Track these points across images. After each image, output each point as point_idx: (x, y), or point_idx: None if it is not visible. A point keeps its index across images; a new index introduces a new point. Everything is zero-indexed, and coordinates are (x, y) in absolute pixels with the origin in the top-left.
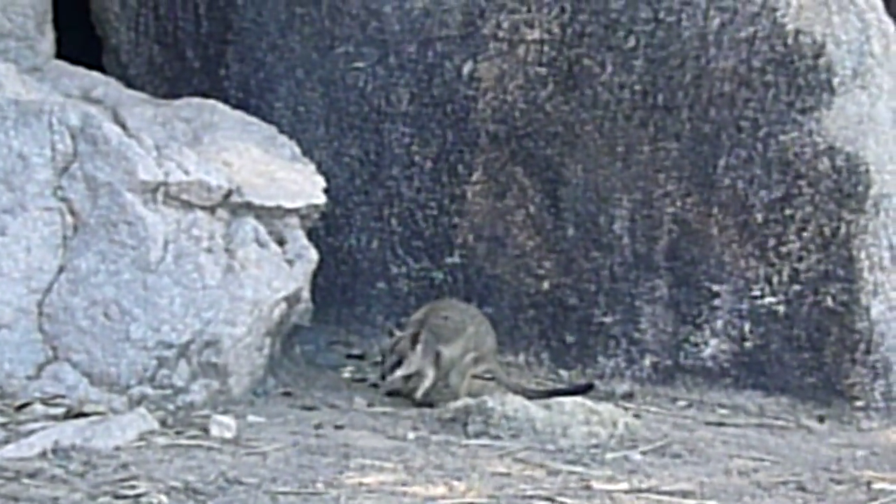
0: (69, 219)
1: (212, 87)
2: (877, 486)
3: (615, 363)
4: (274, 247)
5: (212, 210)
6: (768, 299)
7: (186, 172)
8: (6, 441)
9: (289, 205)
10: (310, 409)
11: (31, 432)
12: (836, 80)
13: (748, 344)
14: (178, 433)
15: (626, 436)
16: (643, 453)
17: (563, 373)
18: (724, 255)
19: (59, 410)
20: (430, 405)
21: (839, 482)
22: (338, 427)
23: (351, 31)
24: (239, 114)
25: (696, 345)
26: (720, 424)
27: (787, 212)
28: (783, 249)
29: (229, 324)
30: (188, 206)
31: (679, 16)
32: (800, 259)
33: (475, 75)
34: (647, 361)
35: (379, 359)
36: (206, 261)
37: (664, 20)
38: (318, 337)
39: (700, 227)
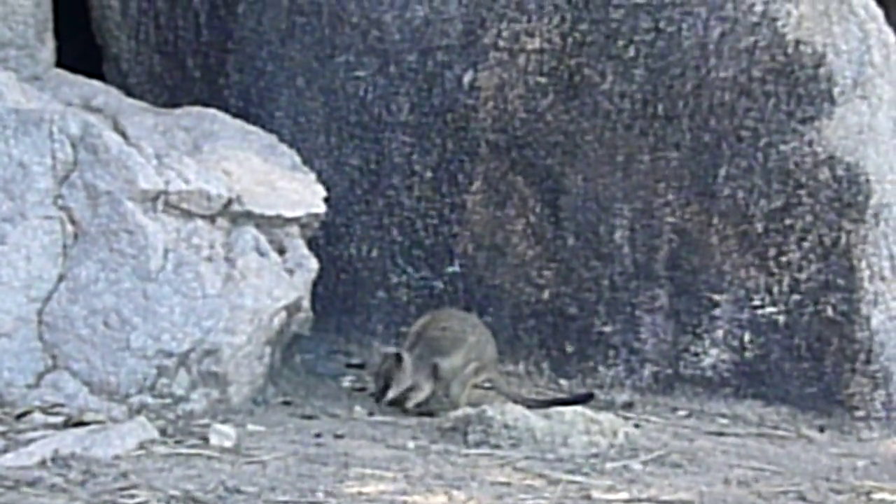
0: (69, 227)
1: (212, 96)
2: (877, 496)
3: (615, 373)
4: (274, 256)
5: (212, 219)
6: (768, 309)
7: (186, 181)
8: (6, 450)
9: (289, 214)
10: (309, 418)
11: (31, 441)
12: (836, 90)
13: (748, 354)
14: (177, 442)
15: (626, 445)
16: (643, 463)
17: (563, 382)
18: (724, 264)
19: (59, 419)
20: (430, 414)
21: (839, 492)
22: (337, 436)
23: (351, 40)
24: (239, 123)
25: (697, 354)
26: (720, 434)
27: (788, 221)
28: (783, 259)
29: (229, 333)
30: (188, 214)
31: (679, 25)
32: (800, 269)
33: (475, 85)
34: (647, 371)
35: (371, 381)
36: (206, 270)
37: (664, 30)
38: (318, 346)
39: (700, 236)
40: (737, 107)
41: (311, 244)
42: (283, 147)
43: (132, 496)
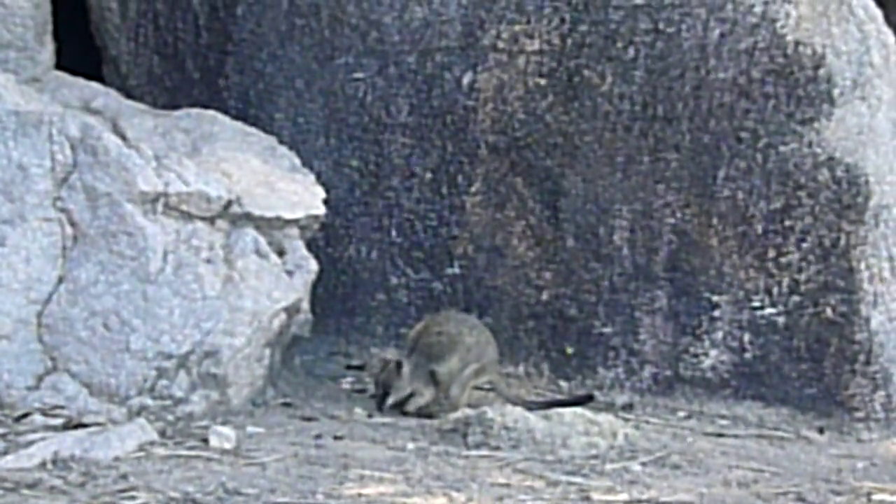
0: (69, 229)
1: (211, 97)
2: (876, 497)
3: (615, 374)
4: (273, 257)
5: (211, 221)
6: (768, 310)
7: (186, 183)
8: (5, 452)
9: (288, 215)
10: (309, 419)
11: (31, 443)
12: (835, 91)
13: (748, 355)
14: (177, 444)
15: (626, 447)
16: (643, 464)
17: (562, 383)
18: (723, 265)
19: (59, 421)
20: (430, 416)
21: (839, 493)
22: (337, 438)
23: (351, 41)
24: (238, 124)
25: (696, 356)
26: (720, 435)
27: (787, 223)
28: (783, 260)
29: (229, 334)
30: (188, 216)
31: (679, 27)
32: (799, 270)
33: (475, 86)
34: (647, 372)
35: (371, 383)
36: (206, 271)
37: (664, 31)
38: (317, 348)
39: (700, 237)
40: (736, 108)
41: (311, 246)
42: (283, 149)
43: (132, 498)
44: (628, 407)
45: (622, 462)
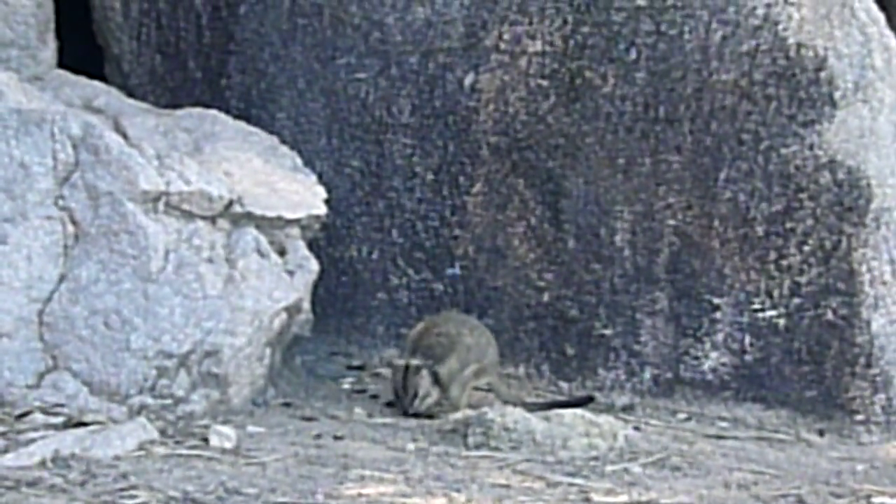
0: (70, 228)
1: (213, 97)
2: (877, 500)
3: (615, 375)
4: (275, 257)
5: (213, 220)
6: (769, 312)
7: (187, 182)
8: (6, 450)
9: (290, 215)
10: (309, 419)
11: (31, 441)
12: (837, 94)
13: (748, 357)
14: (177, 443)
15: (626, 448)
16: (643, 466)
17: (563, 385)
18: (724, 267)
19: (59, 419)
20: (430, 417)
21: (839, 496)
22: (337, 438)
23: (353, 41)
24: (240, 124)
25: (697, 357)
26: (720, 437)
27: (788, 225)
28: (784, 262)
29: (230, 334)
30: (189, 215)
31: (681, 28)
32: (800, 272)
33: (477, 87)
34: (648, 374)
35: (392, 396)
36: (207, 271)
37: (666, 33)
38: (318, 347)
39: (701, 239)
40: (738, 110)
41: (312, 246)
42: (285, 148)
43: (132, 497)
44: (628, 408)
45: (622, 463)
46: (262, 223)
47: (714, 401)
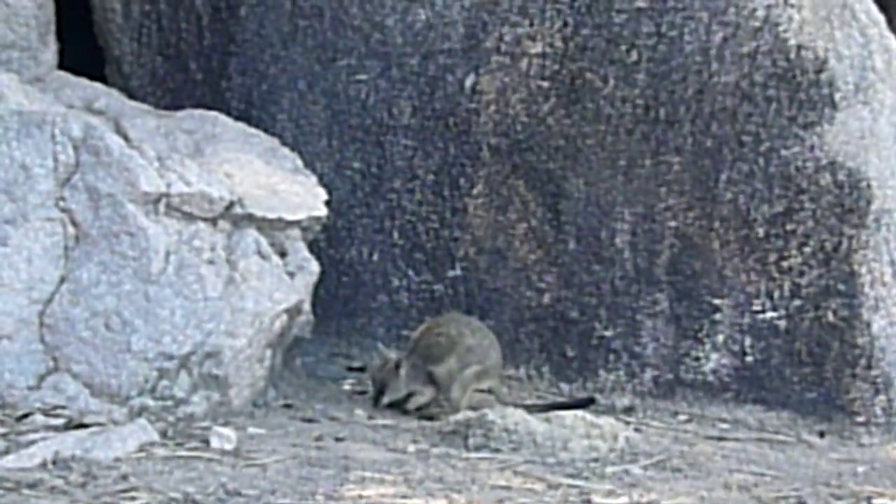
0: (71, 229)
1: (214, 98)
2: (877, 501)
3: (616, 377)
4: (275, 259)
5: (213, 222)
6: (769, 314)
7: (188, 184)
8: (6, 451)
9: (290, 217)
10: (310, 421)
11: (32, 443)
12: (838, 96)
13: (749, 358)
14: (178, 444)
15: (627, 450)
16: (643, 467)
17: (563, 386)
18: (725, 269)
19: (60, 421)
20: (431, 418)
21: (839, 497)
22: (338, 439)
23: (353, 43)
24: (241, 126)
25: (697, 359)
26: (720, 439)
27: (789, 226)
28: (784, 264)
29: (230, 335)
30: (190, 217)
31: (681, 30)
32: (801, 274)
33: (477, 88)
34: (648, 375)
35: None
36: (208, 272)
37: (666, 34)
38: (318, 349)
39: (701, 241)
40: (738, 112)
41: (313, 247)
42: (285, 150)
43: (132, 498)
44: (629, 410)
45: (623, 465)
46: (262, 225)
47: (714, 402)
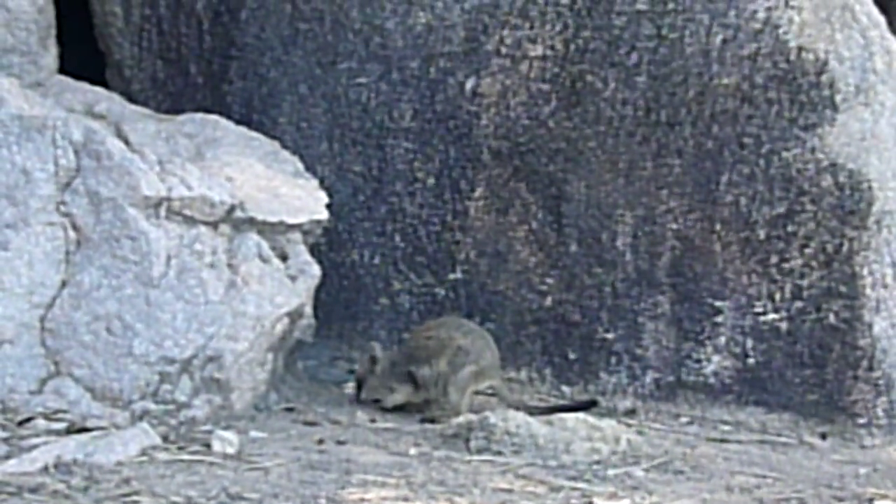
0: (72, 234)
1: (215, 102)
2: (879, 503)
3: (617, 379)
4: (276, 262)
5: (214, 225)
6: (771, 316)
7: (189, 188)
8: (8, 456)
9: (291, 220)
10: (312, 424)
11: (34, 447)
12: (838, 97)
13: (750, 360)
14: (180, 448)
15: (629, 452)
16: (645, 469)
17: (565, 389)
18: (726, 271)
19: (62, 425)
20: (432, 421)
21: (841, 499)
22: (340, 442)
23: (354, 46)
24: (242, 129)
25: (699, 361)
26: (722, 441)
27: (790, 228)
28: (785, 266)
29: (232, 339)
30: (191, 221)
31: (682, 32)
32: (802, 276)
33: (478, 91)
34: (650, 378)
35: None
36: (209, 276)
37: (667, 37)
38: (320, 352)
39: (702, 243)
40: (739, 114)
41: (314, 250)
42: (286, 153)
43: (134, 502)
44: (631, 412)
45: (625, 467)
46: (263, 228)
47: (716, 404)
